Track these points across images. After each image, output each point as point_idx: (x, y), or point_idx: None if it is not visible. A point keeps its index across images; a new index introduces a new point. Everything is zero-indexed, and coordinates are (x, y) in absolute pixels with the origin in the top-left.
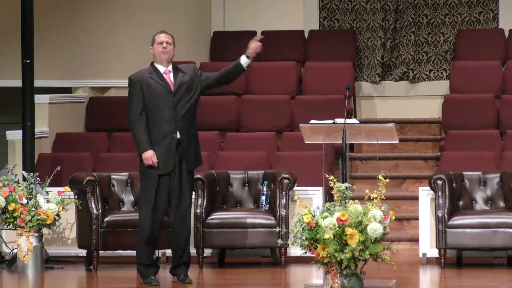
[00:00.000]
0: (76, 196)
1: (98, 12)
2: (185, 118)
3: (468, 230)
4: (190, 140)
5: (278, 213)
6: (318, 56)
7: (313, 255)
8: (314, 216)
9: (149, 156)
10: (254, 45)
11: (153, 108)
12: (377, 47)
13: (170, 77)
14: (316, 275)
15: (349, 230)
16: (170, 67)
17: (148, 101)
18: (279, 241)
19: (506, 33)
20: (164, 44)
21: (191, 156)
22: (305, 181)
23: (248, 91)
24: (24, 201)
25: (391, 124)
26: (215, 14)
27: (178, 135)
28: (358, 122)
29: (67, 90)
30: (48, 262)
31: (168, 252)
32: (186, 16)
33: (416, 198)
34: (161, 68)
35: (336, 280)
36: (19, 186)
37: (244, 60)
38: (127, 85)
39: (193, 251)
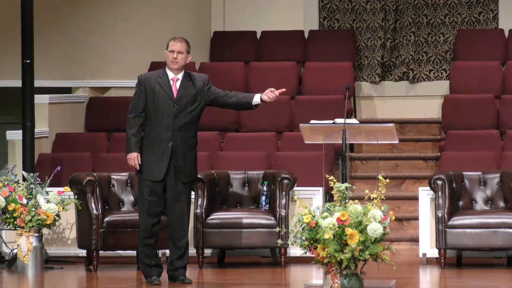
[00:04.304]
0: (76, 196)
1: (98, 12)
2: (184, 128)
3: (468, 230)
4: (186, 151)
5: (278, 213)
6: (318, 56)
7: (313, 255)
8: (314, 216)
9: (132, 158)
10: (272, 95)
11: (153, 112)
12: (377, 47)
13: (176, 85)
14: (316, 275)
15: (349, 230)
16: (180, 75)
17: (149, 104)
18: (279, 241)
19: (506, 33)
20: (175, 54)
21: (186, 168)
22: (305, 181)
23: (248, 92)
24: (24, 201)
25: (391, 124)
26: (215, 14)
27: (173, 144)
28: (358, 122)
29: (67, 90)
30: (48, 262)
31: (168, 252)
32: (186, 16)
33: (416, 198)
34: (170, 75)
35: (336, 280)
36: (19, 186)
37: (257, 101)
38: (130, 88)
39: (193, 251)
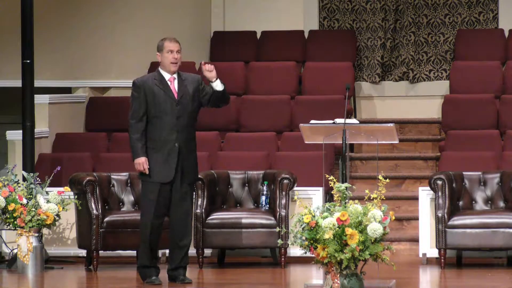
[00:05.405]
0: (76, 196)
1: (98, 12)
2: (186, 128)
3: (468, 230)
4: (189, 151)
5: (278, 213)
6: (318, 56)
7: (313, 255)
8: (314, 216)
9: (141, 162)
10: (207, 70)
11: (156, 115)
12: (377, 47)
13: (174, 85)
14: (316, 275)
15: (349, 230)
16: (175, 75)
17: (151, 107)
18: (279, 241)
19: (506, 33)
20: (175, 55)
21: (191, 169)
22: (305, 181)
23: (248, 91)
24: (24, 201)
25: (391, 124)
26: (215, 14)
27: (179, 144)
28: (358, 122)
29: (67, 90)
30: (48, 262)
31: (168, 252)
32: (186, 16)
33: (416, 198)
34: (166, 75)
35: (336, 280)
36: (19, 186)
37: (214, 87)
38: (130, 88)
39: (193, 251)
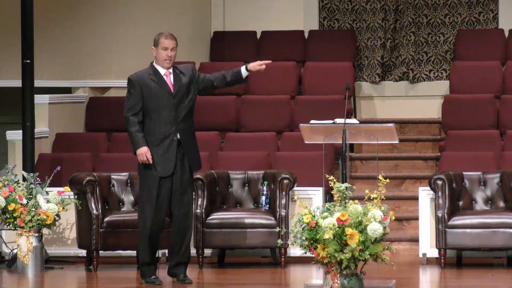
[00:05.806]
0: (76, 196)
1: (98, 12)
2: (184, 119)
3: (468, 230)
4: (190, 140)
5: (278, 213)
6: (318, 56)
7: (313, 255)
8: (314, 216)
9: (143, 152)
10: (259, 65)
11: (153, 109)
12: (377, 47)
13: (170, 79)
14: (316, 275)
15: (349, 230)
16: (170, 69)
17: (148, 102)
18: (279, 241)
19: (506, 33)
20: (169, 53)
21: (194, 156)
22: (305, 181)
23: (248, 91)
24: (24, 201)
25: (391, 124)
26: (215, 14)
27: (178, 136)
28: (358, 122)
29: (67, 90)
30: (48, 262)
31: (168, 252)
32: (186, 16)
33: (416, 198)
34: (161, 70)
35: (336, 280)
36: (19, 186)
37: (244, 72)
38: (127, 85)
39: (193, 251)
